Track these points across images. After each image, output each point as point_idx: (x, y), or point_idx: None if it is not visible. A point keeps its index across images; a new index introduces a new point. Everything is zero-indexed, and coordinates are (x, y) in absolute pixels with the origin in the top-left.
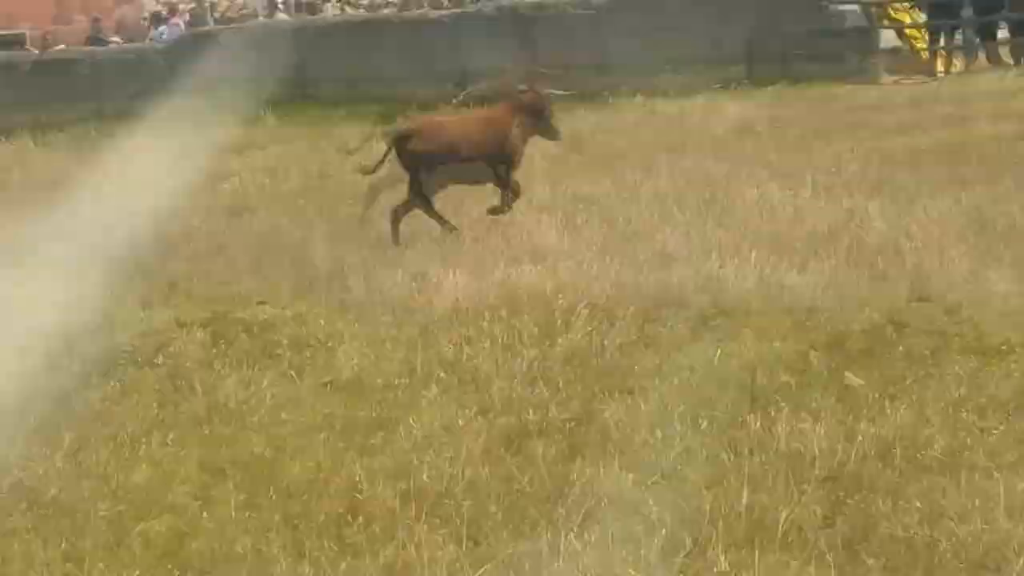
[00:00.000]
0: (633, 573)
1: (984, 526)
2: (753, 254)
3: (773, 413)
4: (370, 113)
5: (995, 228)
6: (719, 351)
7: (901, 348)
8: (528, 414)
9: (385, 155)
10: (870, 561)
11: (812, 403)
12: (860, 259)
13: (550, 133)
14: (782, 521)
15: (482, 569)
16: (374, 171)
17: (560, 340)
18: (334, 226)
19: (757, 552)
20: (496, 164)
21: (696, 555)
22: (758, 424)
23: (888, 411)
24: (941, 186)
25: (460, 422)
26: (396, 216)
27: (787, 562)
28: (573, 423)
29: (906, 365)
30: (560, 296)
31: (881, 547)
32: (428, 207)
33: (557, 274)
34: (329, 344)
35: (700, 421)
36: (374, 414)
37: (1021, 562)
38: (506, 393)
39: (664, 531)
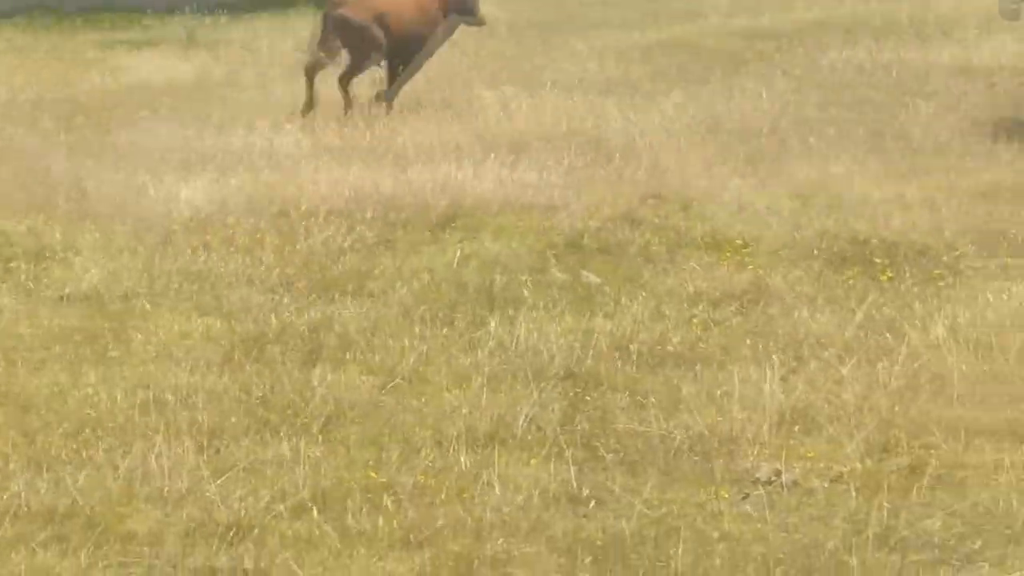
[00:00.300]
0: (374, 476)
1: (719, 418)
2: (492, 155)
3: (512, 313)
4: (110, 23)
5: (728, 124)
6: (458, 253)
7: (637, 245)
8: (268, 320)
9: (323, 32)
10: (608, 456)
11: (550, 302)
12: (597, 157)
13: (475, 20)
14: (522, 419)
15: (223, 477)
16: (319, 57)
17: (300, 245)
18: (72, 137)
19: (497, 450)
20: (412, 45)
21: (437, 456)
22: (497, 324)
23: (625, 307)
24: (676, 82)
25: (199, 330)
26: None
27: (527, 459)
28: (313, 328)
29: (642, 262)
30: (300, 201)
31: (619, 442)
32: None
33: (297, 179)
34: (66, 256)
35: (440, 323)
36: (112, 325)
37: (755, 451)
38: (246, 300)
39: (405, 433)
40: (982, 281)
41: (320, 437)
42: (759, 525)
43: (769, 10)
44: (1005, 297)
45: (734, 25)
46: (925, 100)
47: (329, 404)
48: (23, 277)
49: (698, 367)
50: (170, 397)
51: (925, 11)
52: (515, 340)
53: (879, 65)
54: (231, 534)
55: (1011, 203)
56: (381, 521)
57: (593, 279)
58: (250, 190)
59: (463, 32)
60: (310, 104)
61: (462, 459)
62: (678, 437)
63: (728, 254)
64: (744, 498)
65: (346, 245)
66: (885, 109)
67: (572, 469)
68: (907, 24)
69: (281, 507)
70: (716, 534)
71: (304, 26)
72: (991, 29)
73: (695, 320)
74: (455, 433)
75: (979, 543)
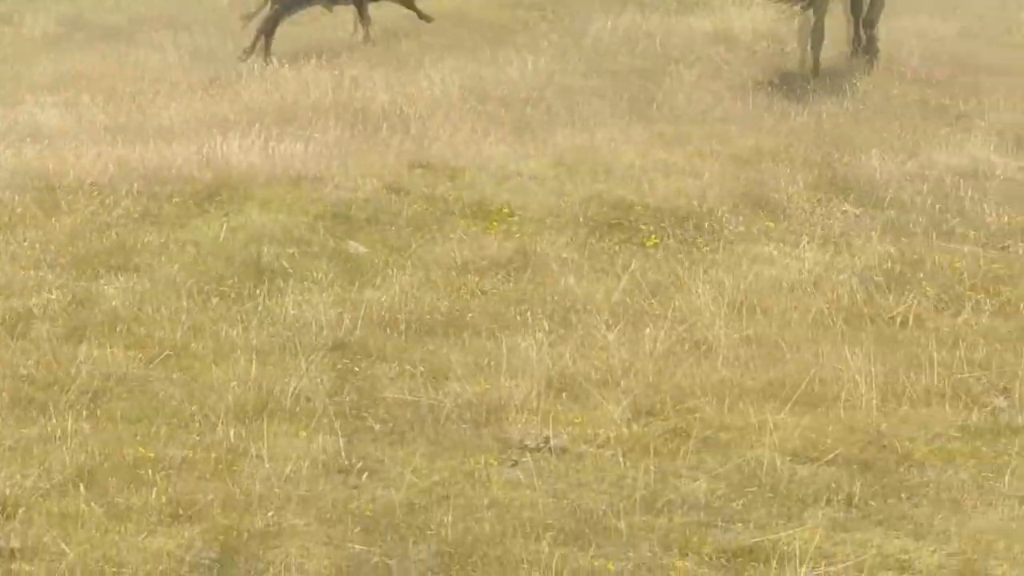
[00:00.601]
0: (142, 451)
1: (487, 386)
2: (256, 126)
3: (281, 285)
4: None
5: (495, 94)
6: (224, 225)
7: (405, 215)
8: (31, 297)
9: None
10: (376, 426)
11: (318, 273)
12: (364, 128)
13: None
14: (290, 392)
15: None
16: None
17: (63, 220)
18: None
19: (266, 423)
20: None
21: (205, 430)
22: (265, 297)
23: (393, 277)
24: (444, 53)
25: None
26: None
27: (296, 432)
28: (78, 304)
29: (411, 231)
30: (64, 176)
31: (388, 412)
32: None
33: (60, 153)
34: None
35: (208, 296)
36: None
37: (524, 418)
38: (8, 276)
39: (173, 408)
40: (744, 245)
41: (87, 414)
42: (528, 491)
43: None
44: (766, 260)
45: None
46: (688, 68)
47: (96, 380)
48: None
49: (466, 336)
50: None
51: None
52: (284, 312)
53: (644, 34)
54: None
55: (771, 167)
56: (149, 497)
57: (361, 249)
58: (12, 165)
59: (228, 4)
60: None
61: (231, 433)
62: (447, 406)
63: (495, 223)
64: (513, 465)
65: (111, 220)
66: (650, 77)
67: (341, 440)
68: None
69: (48, 485)
70: (485, 501)
71: None
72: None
73: (463, 289)
74: (223, 407)
75: (742, 503)
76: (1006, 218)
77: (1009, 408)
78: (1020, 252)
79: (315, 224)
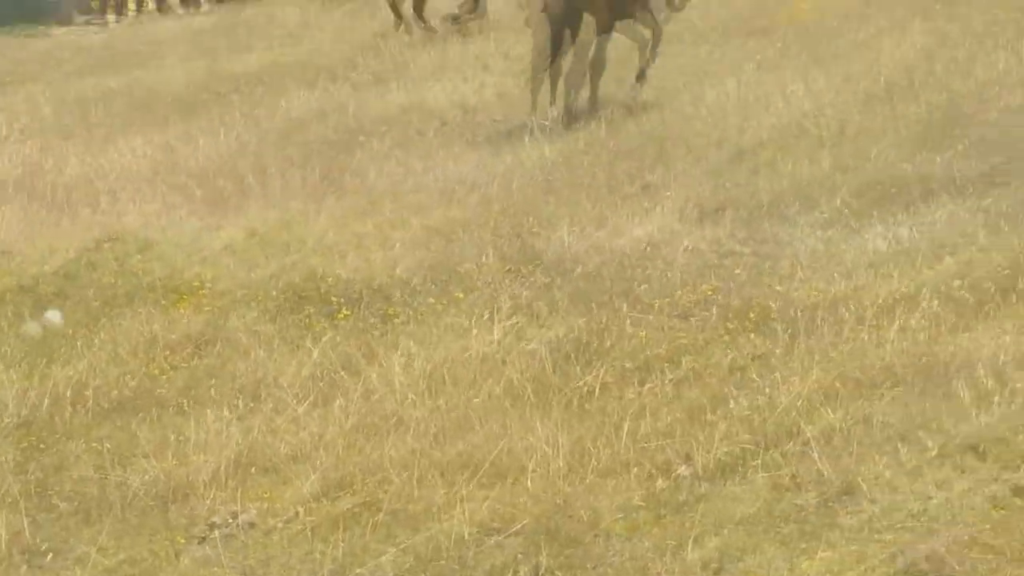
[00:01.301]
0: None
1: (175, 462)
2: None
3: None
4: None
5: (187, 166)
6: None
7: (95, 289)
8: None
9: None
10: (63, 505)
11: (4, 349)
12: (53, 201)
13: None
14: None
15: None
16: None
17: None
18: None
19: None
20: None
21: None
22: None
23: (82, 353)
24: (134, 126)
25: None
26: None
27: None
28: None
29: (100, 305)
30: None
31: (74, 490)
32: None
33: None
34: None
35: None
36: None
37: (212, 494)
38: None
39: None
40: (435, 316)
41: None
42: (216, 569)
43: (226, 53)
44: (457, 332)
45: (192, 69)
46: (380, 139)
47: None
48: None
49: (155, 411)
50: None
51: (381, 56)
52: None
53: (337, 106)
54: None
55: (462, 238)
56: None
57: (50, 323)
58: None
59: None
60: None
61: None
62: (134, 483)
63: (186, 296)
64: (201, 542)
65: None
66: (343, 148)
67: (26, 520)
68: (363, 67)
69: None
70: None
71: None
72: (444, 72)
73: (152, 364)
74: None
75: None
76: (690, 288)
77: (692, 476)
78: (703, 321)
79: (1, 299)
